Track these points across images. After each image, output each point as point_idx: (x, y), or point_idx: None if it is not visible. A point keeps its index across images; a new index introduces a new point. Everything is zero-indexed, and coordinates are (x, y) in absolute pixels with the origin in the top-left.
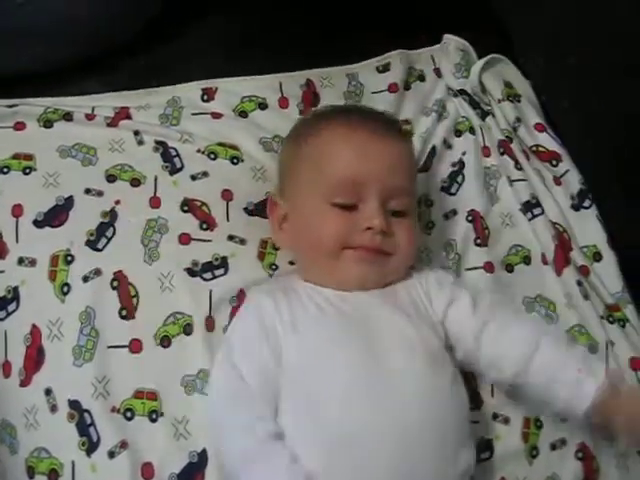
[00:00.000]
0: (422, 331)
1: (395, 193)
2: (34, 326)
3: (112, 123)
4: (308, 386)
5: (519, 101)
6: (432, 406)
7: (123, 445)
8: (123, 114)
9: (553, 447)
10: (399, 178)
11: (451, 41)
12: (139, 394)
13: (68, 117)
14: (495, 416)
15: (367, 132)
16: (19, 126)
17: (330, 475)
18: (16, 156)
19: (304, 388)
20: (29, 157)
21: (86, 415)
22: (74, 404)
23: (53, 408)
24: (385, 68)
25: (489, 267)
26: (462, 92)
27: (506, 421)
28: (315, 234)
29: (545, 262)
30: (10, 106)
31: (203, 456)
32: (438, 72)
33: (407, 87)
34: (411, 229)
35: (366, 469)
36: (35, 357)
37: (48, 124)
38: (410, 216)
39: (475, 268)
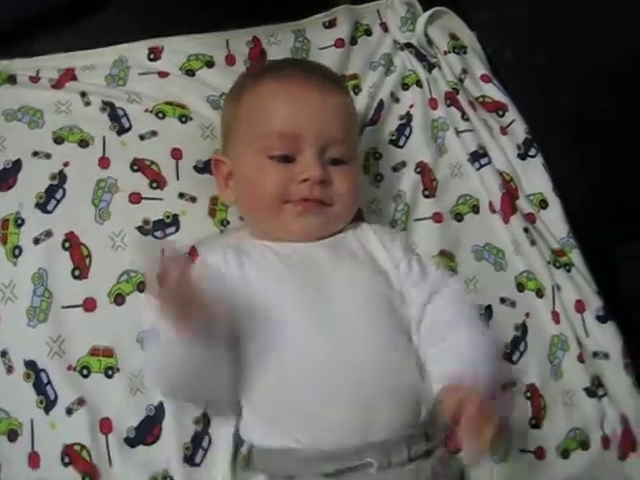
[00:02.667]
0: (370, 274)
1: (332, 142)
2: None
3: (57, 85)
4: (263, 337)
5: (465, 52)
6: (383, 346)
7: (80, 402)
8: (68, 75)
9: (503, 388)
10: (335, 127)
11: None
12: (95, 352)
13: (12, 80)
14: None
15: (300, 85)
16: None
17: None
18: None
19: (259, 338)
20: None
21: (42, 374)
22: (30, 364)
23: (9, 369)
24: (331, 24)
25: (438, 217)
26: (408, 45)
27: None
28: (255, 189)
29: (493, 210)
30: None
31: (160, 409)
32: (384, 26)
33: (354, 42)
34: (351, 177)
35: (324, 402)
36: None
37: None
38: (350, 164)
39: (424, 218)
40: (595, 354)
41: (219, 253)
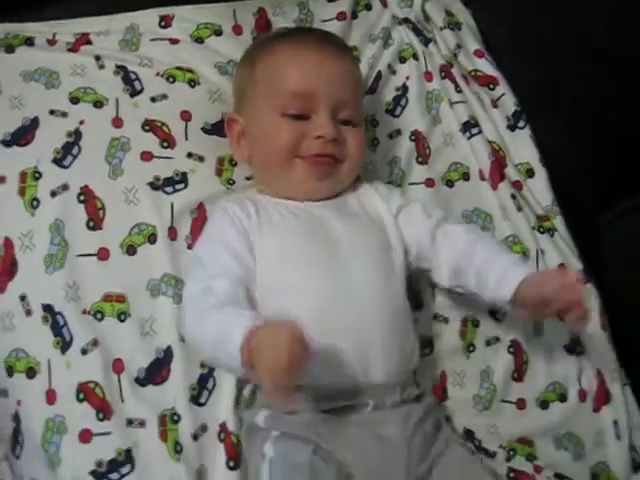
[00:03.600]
0: (373, 236)
1: (344, 105)
2: (7, 239)
3: (73, 48)
4: (276, 285)
5: (460, 29)
6: (383, 296)
7: (95, 343)
8: (83, 40)
9: (488, 343)
10: (347, 91)
11: None
12: (108, 297)
13: (29, 42)
14: (435, 316)
15: (316, 49)
16: None
17: None
18: None
19: (273, 287)
20: None
21: (59, 317)
22: (47, 308)
23: (28, 312)
24: None
25: (430, 183)
26: (406, 20)
27: (445, 320)
28: (269, 143)
29: (482, 178)
30: None
31: (168, 352)
32: (384, 2)
33: (355, 16)
34: (360, 137)
35: (326, 343)
36: (9, 267)
37: (10, 49)
38: (359, 126)
39: (417, 183)
40: None
41: (236, 203)
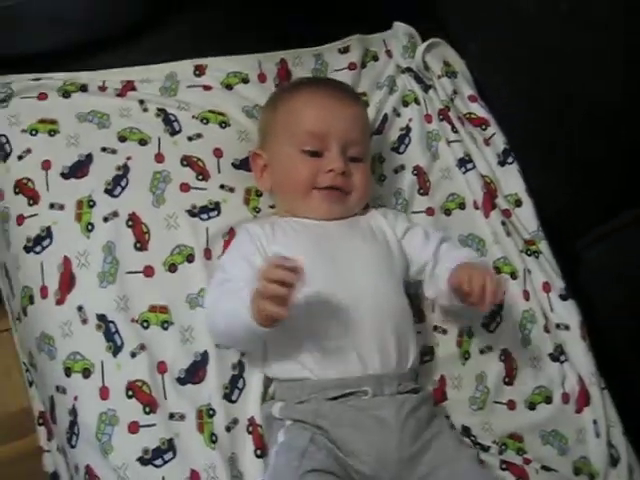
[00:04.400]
0: (375, 248)
1: (353, 143)
2: (65, 257)
3: (121, 94)
4: None
5: (456, 77)
6: (382, 298)
7: (142, 348)
8: (129, 86)
9: (481, 352)
10: (355, 131)
11: (400, 27)
12: (153, 309)
13: (84, 89)
14: (435, 328)
15: (329, 95)
16: (42, 96)
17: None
18: (42, 121)
19: None
20: (53, 122)
21: (111, 325)
22: (101, 317)
23: (84, 321)
24: (346, 50)
25: (430, 212)
26: (409, 70)
27: (444, 332)
28: (290, 176)
29: (476, 207)
30: (35, 79)
31: (205, 356)
32: (389, 53)
33: (364, 65)
34: (365, 171)
35: (333, 341)
36: (68, 281)
37: (67, 94)
38: (364, 162)
39: (419, 212)
40: (558, 326)
41: (258, 224)
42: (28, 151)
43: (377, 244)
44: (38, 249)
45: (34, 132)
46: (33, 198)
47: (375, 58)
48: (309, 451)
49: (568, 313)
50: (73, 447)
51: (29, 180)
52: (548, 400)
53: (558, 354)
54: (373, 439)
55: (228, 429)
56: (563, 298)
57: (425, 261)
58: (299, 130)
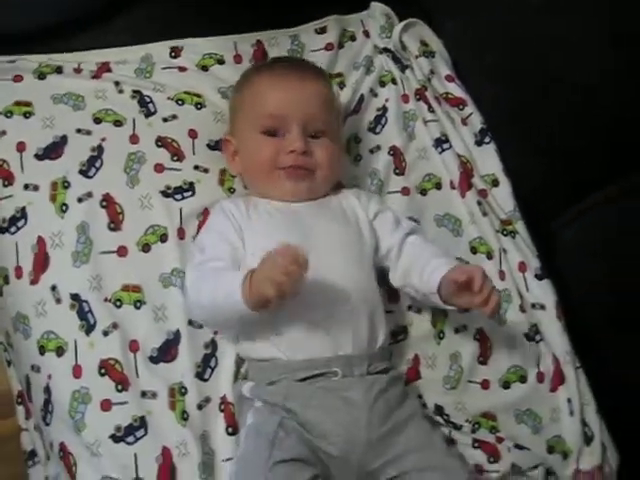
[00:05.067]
0: (347, 230)
1: (313, 121)
2: (40, 237)
3: (96, 75)
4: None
5: (433, 57)
6: (353, 279)
7: (114, 326)
8: (105, 68)
9: (456, 331)
10: (316, 108)
11: (377, 7)
12: (126, 288)
13: (59, 71)
14: (410, 307)
15: (287, 75)
16: (17, 78)
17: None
18: (17, 103)
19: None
20: (28, 104)
21: (84, 304)
22: (74, 296)
23: (58, 300)
24: (322, 30)
25: (406, 191)
26: (386, 50)
27: (418, 311)
28: (254, 159)
29: (452, 187)
30: (10, 62)
31: (177, 334)
32: (367, 33)
33: (341, 46)
34: (329, 148)
35: (303, 321)
36: (42, 261)
37: (42, 76)
38: (328, 138)
39: (394, 192)
40: (533, 305)
41: (232, 202)
42: (3, 133)
43: (348, 225)
44: (13, 230)
45: (9, 114)
46: (8, 179)
47: (352, 38)
48: (278, 437)
49: (544, 293)
50: (48, 425)
51: (4, 162)
52: (523, 379)
53: (533, 334)
54: (342, 420)
55: (200, 407)
56: (539, 278)
57: (390, 246)
58: (259, 114)
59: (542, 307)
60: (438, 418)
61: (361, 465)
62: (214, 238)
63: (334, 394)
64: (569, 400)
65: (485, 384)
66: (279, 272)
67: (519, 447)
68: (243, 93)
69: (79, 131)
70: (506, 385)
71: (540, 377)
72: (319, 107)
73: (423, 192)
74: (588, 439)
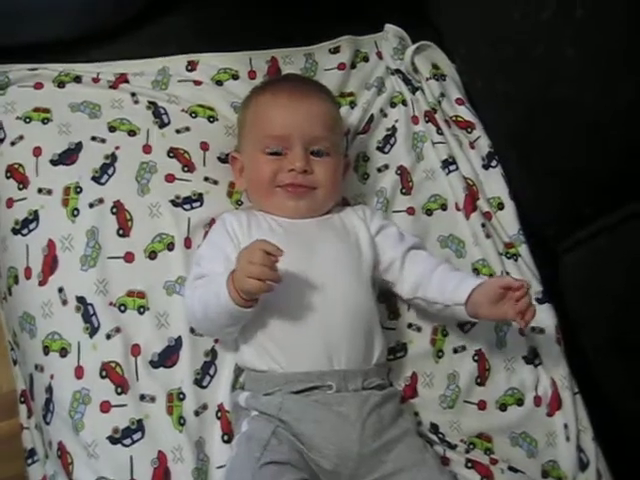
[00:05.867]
0: (347, 247)
1: (314, 139)
2: (50, 240)
3: (113, 86)
4: None
5: (444, 80)
6: (351, 296)
7: (117, 330)
8: (122, 79)
9: (455, 351)
10: (317, 128)
11: (391, 29)
12: (131, 293)
13: (78, 80)
14: (410, 325)
15: (290, 94)
16: (38, 85)
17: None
18: (36, 109)
19: None
20: (46, 110)
21: (89, 307)
22: (80, 299)
23: (64, 302)
24: (336, 50)
25: (411, 211)
26: (398, 71)
27: (418, 329)
28: (255, 177)
29: (458, 209)
30: (32, 69)
31: (179, 341)
32: (380, 55)
33: (353, 66)
34: (330, 167)
35: (301, 336)
36: (50, 263)
37: (61, 85)
38: (330, 156)
39: (400, 211)
40: (533, 329)
41: (234, 216)
42: (21, 138)
43: (349, 243)
44: (25, 231)
45: (28, 120)
46: (23, 183)
47: (366, 59)
48: (271, 444)
49: (544, 317)
50: (48, 424)
51: (20, 165)
52: (520, 402)
53: (532, 357)
54: (334, 434)
55: (197, 413)
56: (540, 302)
57: (392, 259)
58: (261, 134)
59: (542, 331)
60: (433, 436)
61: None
62: (212, 251)
63: (327, 408)
64: (566, 425)
65: (482, 405)
66: (255, 266)
67: (513, 470)
68: (248, 111)
69: (94, 139)
70: (503, 407)
71: (537, 401)
72: (322, 125)
73: (428, 212)
74: (583, 465)
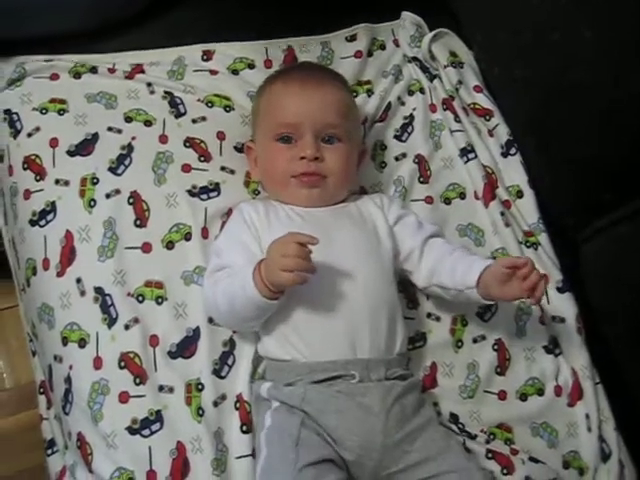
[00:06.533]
0: (366, 235)
1: (326, 126)
2: (68, 231)
3: (129, 76)
4: None
5: (462, 67)
6: (372, 284)
7: (136, 321)
8: (138, 69)
9: (474, 340)
10: (329, 115)
11: (407, 17)
12: (148, 284)
13: (94, 70)
14: (429, 315)
15: (302, 82)
16: (54, 76)
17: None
18: (52, 100)
19: None
20: (62, 101)
21: (107, 298)
22: (98, 290)
23: (82, 293)
24: (353, 38)
25: (429, 200)
26: (415, 59)
27: (438, 319)
28: (269, 167)
29: (476, 197)
30: (47, 60)
31: (197, 331)
32: (396, 42)
33: (370, 54)
34: (342, 153)
35: (323, 324)
36: (68, 254)
37: (77, 76)
38: (342, 143)
39: (418, 200)
40: (554, 318)
41: (252, 206)
42: (37, 129)
43: (367, 231)
44: (42, 223)
45: (44, 111)
46: (40, 174)
47: (382, 47)
48: (302, 437)
49: (565, 306)
50: (67, 414)
51: (37, 156)
52: (540, 392)
53: (553, 346)
54: (358, 425)
55: (215, 404)
56: (560, 291)
57: (411, 248)
58: (274, 122)
59: (562, 320)
60: (453, 427)
61: (377, 471)
62: (231, 242)
63: (351, 399)
64: (587, 416)
65: (502, 395)
66: (289, 259)
67: (534, 460)
68: (261, 100)
69: (110, 129)
70: (523, 397)
71: (558, 391)
72: (334, 112)
73: (447, 201)
74: (605, 456)
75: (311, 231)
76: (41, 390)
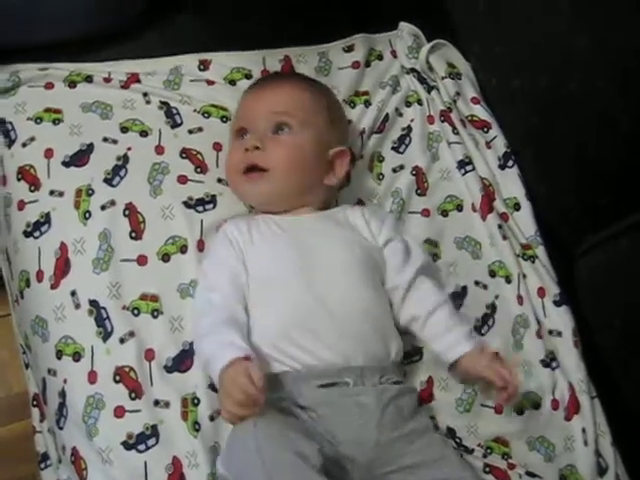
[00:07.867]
0: (351, 248)
1: (276, 115)
2: (62, 243)
3: (125, 85)
4: (264, 287)
5: (460, 78)
6: (359, 296)
7: (131, 334)
8: (134, 78)
9: None
10: (281, 105)
11: (405, 27)
12: (144, 297)
13: (89, 79)
14: None
15: (260, 85)
16: (49, 86)
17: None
18: (47, 110)
19: (262, 288)
20: (58, 111)
21: (102, 311)
22: (93, 303)
23: (77, 306)
24: (350, 48)
25: (426, 212)
26: (413, 70)
27: None
28: (226, 166)
29: (474, 210)
30: (42, 69)
31: (193, 345)
32: (394, 53)
33: (368, 65)
34: (288, 144)
35: (313, 336)
36: (63, 267)
37: (72, 85)
38: (294, 134)
39: (415, 212)
40: (551, 332)
41: (235, 225)
42: (32, 139)
43: (354, 244)
44: (37, 234)
45: (39, 120)
46: (34, 184)
47: (380, 57)
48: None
49: (562, 319)
50: (61, 428)
51: (31, 167)
52: (536, 406)
53: (550, 360)
54: (352, 420)
55: (212, 418)
56: (557, 304)
57: (396, 285)
58: (234, 123)
59: (559, 334)
60: (450, 441)
61: (370, 468)
62: (215, 265)
63: (348, 399)
64: (584, 430)
65: (499, 408)
66: (230, 400)
67: (531, 474)
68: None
69: (106, 140)
70: (520, 411)
71: (555, 405)
72: (284, 102)
73: (444, 213)
74: (602, 470)
75: (294, 247)
76: (34, 403)
